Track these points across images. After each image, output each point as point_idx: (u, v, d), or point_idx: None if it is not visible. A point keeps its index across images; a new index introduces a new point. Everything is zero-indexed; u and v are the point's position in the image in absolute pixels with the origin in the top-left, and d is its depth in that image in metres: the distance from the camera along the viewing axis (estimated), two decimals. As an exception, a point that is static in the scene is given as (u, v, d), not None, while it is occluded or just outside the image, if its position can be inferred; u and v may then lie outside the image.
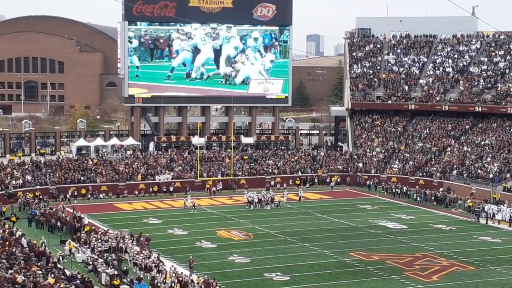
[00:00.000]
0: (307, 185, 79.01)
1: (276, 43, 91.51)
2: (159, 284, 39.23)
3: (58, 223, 55.06)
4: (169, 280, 39.67)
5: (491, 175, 73.74)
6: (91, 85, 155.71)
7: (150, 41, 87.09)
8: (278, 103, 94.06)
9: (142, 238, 49.60)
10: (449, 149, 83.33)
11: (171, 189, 74.09)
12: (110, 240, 48.19)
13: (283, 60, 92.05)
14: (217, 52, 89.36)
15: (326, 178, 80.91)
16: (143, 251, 45.64)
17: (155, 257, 43.97)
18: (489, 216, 62.25)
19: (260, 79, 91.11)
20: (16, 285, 34.40)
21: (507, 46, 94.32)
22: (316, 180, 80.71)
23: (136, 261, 44.08)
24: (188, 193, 72.19)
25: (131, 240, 48.84)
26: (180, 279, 39.49)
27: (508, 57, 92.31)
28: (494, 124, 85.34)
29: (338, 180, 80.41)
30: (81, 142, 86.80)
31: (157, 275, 40.86)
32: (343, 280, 43.10)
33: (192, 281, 39.41)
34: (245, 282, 42.47)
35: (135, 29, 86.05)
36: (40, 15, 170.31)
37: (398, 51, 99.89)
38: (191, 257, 44.92)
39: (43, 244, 46.14)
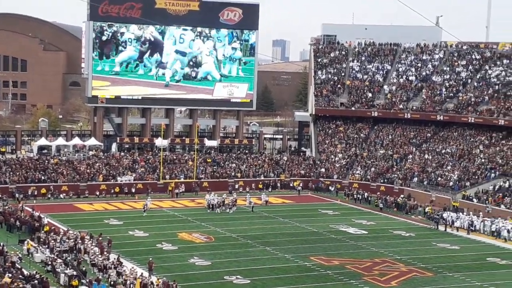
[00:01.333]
0: (270, 189, 79.16)
1: (238, 41, 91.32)
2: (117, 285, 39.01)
3: (17, 223, 54.35)
4: (129, 281, 39.41)
5: (451, 183, 74.72)
6: (54, 84, 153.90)
7: (112, 38, 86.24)
8: (242, 107, 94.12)
9: (101, 239, 49.13)
10: (410, 156, 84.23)
11: (133, 190, 73.68)
12: (69, 240, 47.73)
13: (249, 58, 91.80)
14: (181, 53, 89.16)
15: (289, 183, 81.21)
16: (103, 253, 45.31)
17: (114, 258, 43.69)
18: (448, 223, 63.10)
19: (225, 83, 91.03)
20: (-28, 284, 33.91)
21: (470, 56, 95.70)
22: (278, 185, 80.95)
23: (95, 262, 43.72)
24: (148, 195, 71.74)
25: (90, 241, 48.40)
26: (141, 280, 39.27)
27: (470, 67, 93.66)
28: (455, 133, 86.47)
29: (301, 185, 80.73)
30: (43, 141, 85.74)
31: (116, 276, 40.60)
32: (303, 284, 43.26)
33: (151, 282, 39.22)
34: (206, 285, 42.41)
35: (98, 26, 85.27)
36: (3, 13, 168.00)
37: (363, 58, 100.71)
38: (150, 258, 44.70)
39: (1, 244, 45.49)
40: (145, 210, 64.36)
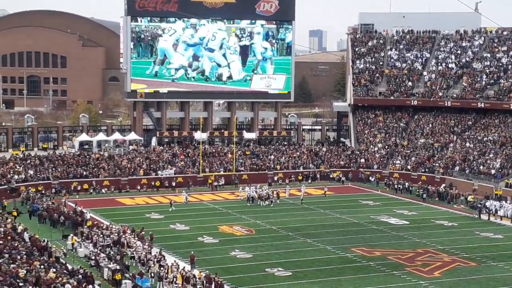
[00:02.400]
0: (309, 181, 78.98)
1: (274, 41, 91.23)
2: (161, 278, 39.32)
3: (61, 218, 55.11)
4: (171, 274, 39.73)
5: (493, 171, 73.70)
6: (93, 80, 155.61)
7: (149, 37, 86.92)
8: (280, 99, 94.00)
9: (143, 233, 49.56)
10: (451, 145, 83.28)
11: (174, 184, 74.13)
12: (112, 234, 48.26)
13: (285, 57, 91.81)
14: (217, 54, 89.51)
15: (329, 174, 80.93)
16: (144, 246, 45.73)
17: (157, 252, 44.04)
18: (491, 212, 62.27)
19: (263, 75, 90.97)
20: (18, 280, 34.48)
21: (510, 42, 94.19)
22: (318, 176, 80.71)
23: (138, 256, 44.12)
24: (182, 189, 71.78)
25: (132, 235, 48.87)
26: (183, 273, 39.54)
27: (511, 53, 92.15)
28: (496, 120, 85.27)
29: (341, 176, 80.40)
30: (84, 137, 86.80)
31: (159, 269, 40.92)
32: (345, 276, 43.11)
33: (194, 276, 39.46)
34: (247, 277, 42.51)
35: (135, 25, 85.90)
36: (42, 10, 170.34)
37: (401, 46, 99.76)
38: (192, 252, 44.93)
39: (45, 239, 46.17)
40: (171, 204, 63.70)
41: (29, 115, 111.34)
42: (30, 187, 66.70)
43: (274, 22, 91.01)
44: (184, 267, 41.34)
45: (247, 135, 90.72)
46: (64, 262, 41.90)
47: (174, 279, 39.23)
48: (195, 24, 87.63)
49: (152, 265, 41.82)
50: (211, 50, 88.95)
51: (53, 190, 68.48)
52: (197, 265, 43.58)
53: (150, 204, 66.37)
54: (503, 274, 44.00)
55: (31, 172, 70.86)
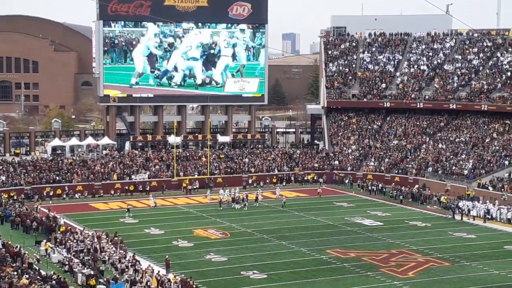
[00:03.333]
0: (284, 183, 79.13)
1: (250, 46, 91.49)
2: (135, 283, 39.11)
3: (34, 224, 54.61)
4: (145, 279, 39.54)
5: (465, 172, 74.38)
6: (66, 84, 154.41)
7: (123, 43, 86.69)
8: (254, 102, 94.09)
9: (116, 238, 49.27)
10: (424, 146, 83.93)
11: (148, 188, 73.84)
12: (85, 240, 47.92)
13: (257, 62, 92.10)
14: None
15: (303, 176, 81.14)
16: (119, 251, 45.47)
17: (131, 257, 43.82)
18: (464, 212, 62.83)
19: (236, 79, 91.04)
20: (-9, 286, 34.14)
21: (481, 44, 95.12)
22: (292, 178, 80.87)
23: (112, 261, 43.87)
24: (150, 193, 71.44)
25: (106, 240, 48.57)
26: (157, 277, 39.37)
27: (481, 55, 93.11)
28: (468, 121, 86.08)
29: (315, 178, 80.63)
30: (56, 142, 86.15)
31: (134, 274, 40.73)
32: (320, 278, 43.22)
33: (168, 280, 39.31)
34: (222, 281, 42.45)
35: (109, 31, 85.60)
36: (14, 15, 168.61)
37: (373, 49, 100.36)
38: (167, 256, 44.75)
39: (18, 246, 45.71)
40: (129, 210, 62.89)
41: (1, 120, 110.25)
42: (2, 193, 65.97)
43: (250, 27, 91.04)
44: (158, 271, 41.19)
45: (221, 138, 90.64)
46: (37, 268, 41.50)
47: (148, 283, 39.04)
48: (168, 30, 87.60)
49: (126, 269, 41.60)
50: (186, 55, 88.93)
51: (22, 196, 67.54)
52: (172, 269, 43.43)
53: (124, 208, 65.90)
54: (476, 274, 44.37)
55: (3, 178, 70.15)
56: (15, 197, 66.25)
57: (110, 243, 47.53)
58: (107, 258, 44.94)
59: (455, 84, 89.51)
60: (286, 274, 44.03)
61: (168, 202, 69.08)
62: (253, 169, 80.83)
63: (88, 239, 48.22)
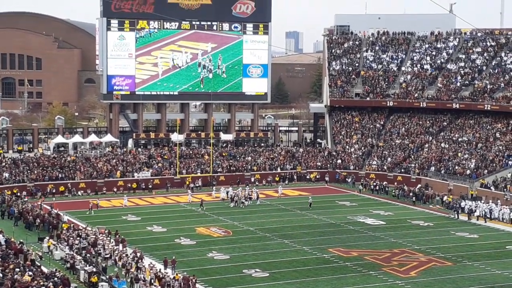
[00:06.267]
0: (286, 182, 79.12)
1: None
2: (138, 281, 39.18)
3: (37, 221, 54.67)
4: (149, 277, 39.62)
5: (468, 172, 74.31)
6: (69, 81, 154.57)
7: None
8: (257, 100, 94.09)
9: (118, 236, 49.29)
10: (427, 145, 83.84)
11: (150, 186, 73.87)
12: (88, 237, 47.97)
13: (260, 61, 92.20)
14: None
15: (305, 175, 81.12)
16: (122, 248, 45.53)
17: (134, 254, 43.84)
18: (467, 212, 62.73)
19: (239, 77, 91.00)
20: (-6, 283, 34.20)
21: (484, 43, 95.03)
22: (295, 177, 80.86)
23: (114, 258, 43.93)
24: (125, 192, 71.27)
25: (108, 238, 48.63)
26: (160, 275, 39.43)
27: (485, 54, 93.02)
28: (471, 120, 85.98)
29: (318, 177, 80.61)
30: (59, 139, 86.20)
31: (136, 272, 40.78)
32: (322, 276, 43.25)
33: (171, 277, 39.34)
34: (225, 279, 42.49)
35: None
36: (17, 11, 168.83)
37: (377, 48, 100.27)
38: (173, 257, 44.34)
39: (21, 242, 45.79)
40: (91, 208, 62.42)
41: (4, 117, 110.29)
42: (5, 190, 66.04)
43: (254, 25, 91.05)
44: (160, 269, 41.22)
45: (224, 136, 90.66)
46: (39, 265, 41.58)
47: (152, 281, 39.11)
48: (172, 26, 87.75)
49: (130, 267, 41.66)
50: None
51: (24, 193, 67.50)
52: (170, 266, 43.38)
53: (127, 206, 65.97)
54: (479, 274, 44.38)
55: (6, 174, 70.23)
56: (18, 194, 66.27)
57: (112, 241, 47.53)
58: (109, 255, 44.98)
59: (458, 84, 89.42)
60: (288, 272, 44.07)
61: (171, 200, 69.18)
62: (255, 168, 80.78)
63: (90, 236, 48.22)
